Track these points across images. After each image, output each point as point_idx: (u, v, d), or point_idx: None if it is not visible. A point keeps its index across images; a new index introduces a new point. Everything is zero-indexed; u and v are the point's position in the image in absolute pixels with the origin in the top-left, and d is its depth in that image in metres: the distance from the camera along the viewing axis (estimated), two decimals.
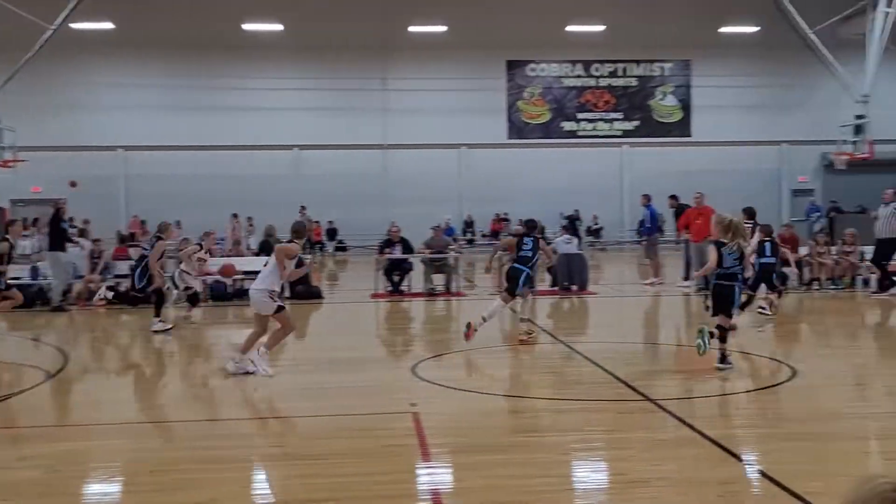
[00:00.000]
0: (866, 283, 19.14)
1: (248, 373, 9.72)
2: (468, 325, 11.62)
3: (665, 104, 37.50)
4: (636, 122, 37.53)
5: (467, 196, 37.08)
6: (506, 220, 36.20)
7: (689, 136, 37.32)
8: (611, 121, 37.55)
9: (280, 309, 9.89)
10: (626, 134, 37.54)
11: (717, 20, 34.73)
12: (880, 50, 27.65)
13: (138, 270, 14.31)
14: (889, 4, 26.92)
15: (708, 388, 9.44)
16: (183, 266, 15.36)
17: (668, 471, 6.21)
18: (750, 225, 13.21)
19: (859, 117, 28.36)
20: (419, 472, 6.30)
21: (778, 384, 9.16)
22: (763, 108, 36.43)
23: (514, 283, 11.97)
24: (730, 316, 9.97)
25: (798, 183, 36.92)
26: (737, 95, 36.29)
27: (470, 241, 36.21)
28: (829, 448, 6.89)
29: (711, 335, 9.63)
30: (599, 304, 13.92)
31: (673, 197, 21.04)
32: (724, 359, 9.76)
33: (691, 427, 7.31)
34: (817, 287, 18.96)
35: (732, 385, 9.23)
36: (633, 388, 8.89)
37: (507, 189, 36.25)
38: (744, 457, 6.63)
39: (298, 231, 10.26)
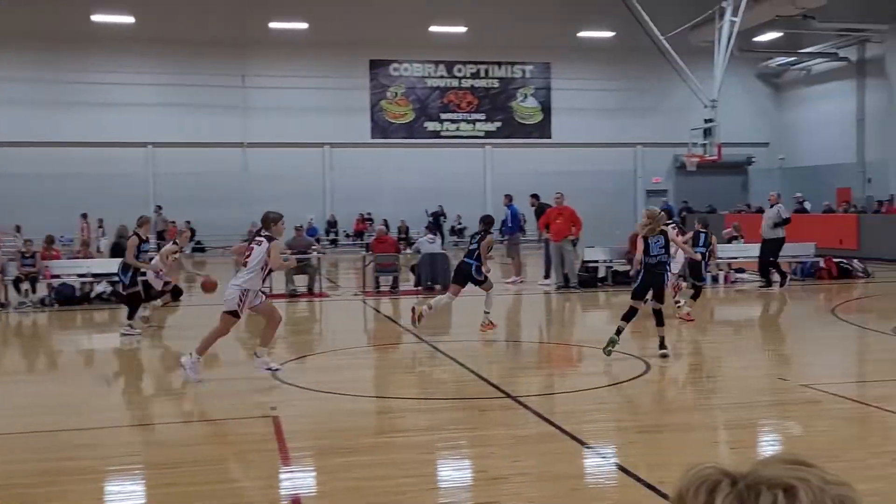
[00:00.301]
0: (715, 279, 19.99)
1: (271, 370, 9.35)
2: (413, 310, 12.35)
3: (526, 106, 38.21)
4: (498, 124, 38.09)
5: (331, 196, 36.77)
6: (370, 220, 36.02)
7: (549, 137, 38.13)
8: (473, 121, 37.97)
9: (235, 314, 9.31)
10: (489, 135, 38.05)
11: (576, 24, 35.65)
12: (727, 57, 28.99)
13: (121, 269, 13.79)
14: (735, 14, 28.24)
15: (567, 384, 9.64)
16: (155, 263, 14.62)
17: (527, 466, 6.28)
18: (671, 223, 13.91)
19: (708, 121, 29.65)
20: (280, 477, 6.15)
21: (633, 378, 9.42)
22: (619, 111, 37.63)
23: (463, 277, 12.70)
24: (662, 301, 10.62)
25: (652, 183, 38.30)
26: (595, 98, 37.34)
27: (333, 242, 35.89)
28: (682, 439, 7.12)
29: (614, 342, 10.28)
30: (462, 304, 14.01)
31: (534, 196, 21.41)
32: (662, 343, 10.48)
33: (551, 423, 7.42)
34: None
35: (590, 381, 9.44)
36: (496, 386, 8.97)
37: (371, 189, 36.14)
38: (601, 450, 6.77)
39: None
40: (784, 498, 0.97)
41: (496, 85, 38.01)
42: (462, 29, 35.49)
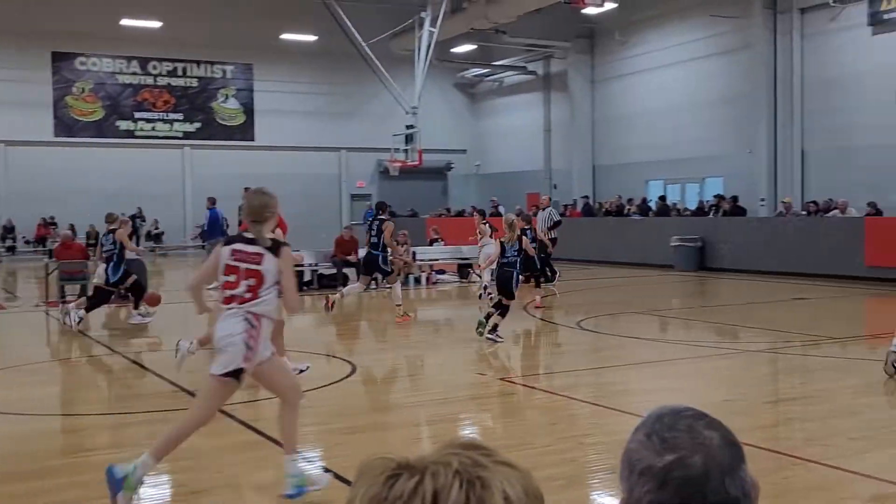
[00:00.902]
0: (418, 280, 20.57)
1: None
2: (327, 298, 13.30)
3: (228, 107, 37.24)
4: (198, 124, 36.77)
5: (8, 199, 33.48)
6: (53, 224, 33.05)
7: (252, 139, 37.42)
8: (171, 121, 36.37)
9: None
10: (188, 136, 36.64)
11: (278, 26, 35.19)
12: (426, 66, 29.99)
13: (110, 266, 13.38)
14: (433, 24, 29.29)
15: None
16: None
17: (231, 476, 6.02)
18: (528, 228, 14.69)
19: (410, 127, 30.52)
20: None
21: (339, 380, 9.38)
22: (324, 115, 37.71)
23: (370, 267, 13.63)
24: (512, 297, 11.69)
25: (357, 188, 38.82)
26: (299, 101, 37.15)
27: (11, 249, 32.83)
28: (387, 437, 7.17)
29: (483, 324, 11.45)
30: (165, 312, 13.32)
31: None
32: (495, 329, 11.52)
33: (255, 430, 7.19)
34: (374, 287, 19.91)
35: None
36: (195, 396, 8.54)
37: (55, 191, 33.36)
38: (307, 454, 6.63)
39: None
40: (413, 483, 0.98)
41: (195, 84, 36.69)
42: (156, 24, 33.69)
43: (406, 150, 30.62)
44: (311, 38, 35.32)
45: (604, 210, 28.77)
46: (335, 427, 7.54)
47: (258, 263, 5.33)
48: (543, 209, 19.94)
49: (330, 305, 13.08)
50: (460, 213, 33.62)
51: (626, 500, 1.29)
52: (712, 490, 1.22)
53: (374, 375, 10.00)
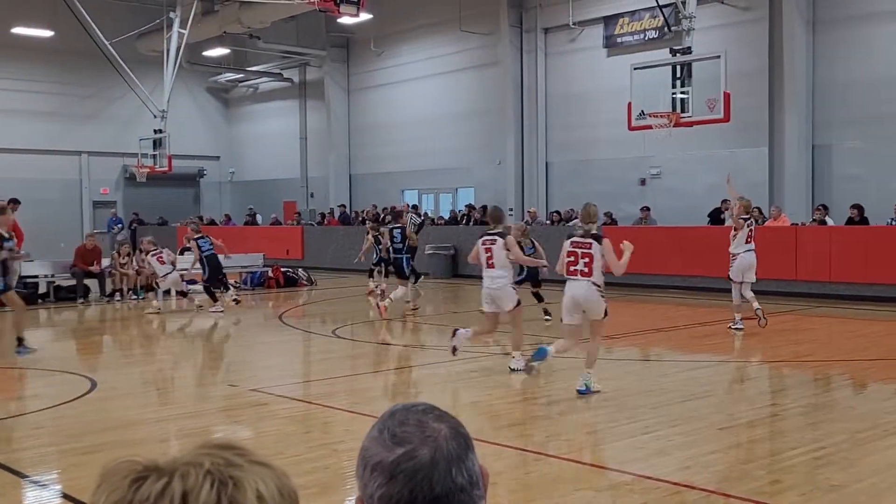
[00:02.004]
0: (167, 292, 19.70)
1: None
2: (378, 306, 14.88)
3: None
4: None
5: None
6: None
7: None
8: None
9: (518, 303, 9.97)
10: None
11: (9, 19, 32.52)
12: (176, 68, 28.87)
13: None
14: (183, 26, 28.24)
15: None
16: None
17: None
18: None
19: (158, 132, 29.21)
20: None
21: (77, 398, 8.77)
22: (62, 116, 35.25)
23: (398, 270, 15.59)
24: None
25: (100, 195, 36.64)
26: (33, 101, 34.51)
27: None
28: (129, 455, 6.74)
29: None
30: None
31: None
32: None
33: None
34: (119, 298, 18.91)
35: (24, 405, 8.59)
36: None
37: None
38: (40, 479, 6.14)
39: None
40: (161, 486, 0.94)
41: None
42: None
43: (155, 156, 29.28)
44: (48, 33, 32.89)
45: (360, 219, 28.95)
46: (72, 447, 7.02)
47: None
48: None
49: (383, 310, 14.62)
50: (212, 222, 32.63)
51: (361, 498, 1.31)
52: (438, 480, 1.25)
53: (117, 391, 9.43)
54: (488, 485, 1.34)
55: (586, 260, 8.68)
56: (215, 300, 16.33)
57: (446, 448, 1.27)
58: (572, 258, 8.75)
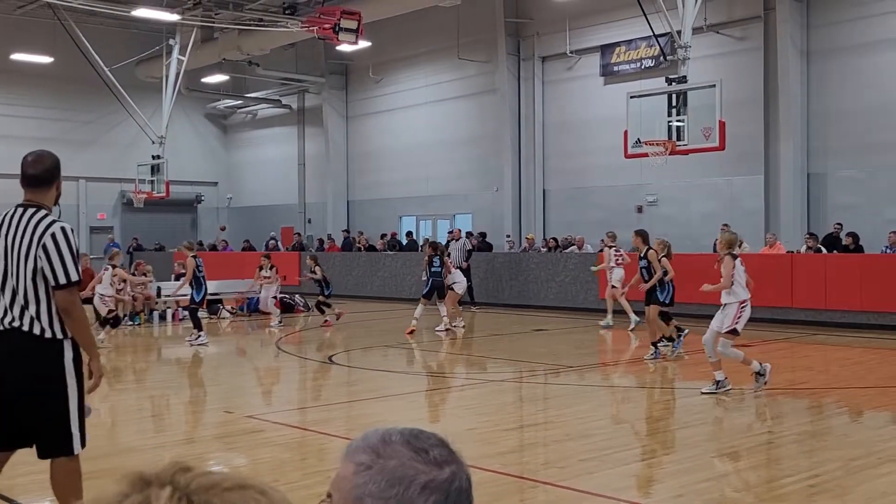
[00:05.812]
0: (163, 316, 19.73)
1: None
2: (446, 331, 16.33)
3: None
4: None
5: None
6: None
7: None
8: None
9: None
10: None
11: (8, 45, 32.66)
12: (175, 95, 29.02)
13: None
14: (182, 53, 28.42)
15: None
16: (100, 290, 15.47)
17: None
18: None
19: (156, 157, 29.31)
20: None
21: None
22: (61, 142, 35.13)
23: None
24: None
25: (97, 220, 36.68)
26: (32, 127, 34.57)
27: None
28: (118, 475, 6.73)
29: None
30: None
31: None
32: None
33: None
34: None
35: None
36: None
37: None
38: None
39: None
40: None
41: None
42: None
43: (153, 181, 29.37)
44: (47, 59, 33.02)
45: (358, 245, 28.96)
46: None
47: None
48: (457, 240, 21.95)
49: (446, 331, 16.18)
50: (213, 248, 32.66)
51: None
52: (471, 499, 1.33)
53: (112, 417, 9.42)
54: None
55: None
56: (200, 329, 15.79)
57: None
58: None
